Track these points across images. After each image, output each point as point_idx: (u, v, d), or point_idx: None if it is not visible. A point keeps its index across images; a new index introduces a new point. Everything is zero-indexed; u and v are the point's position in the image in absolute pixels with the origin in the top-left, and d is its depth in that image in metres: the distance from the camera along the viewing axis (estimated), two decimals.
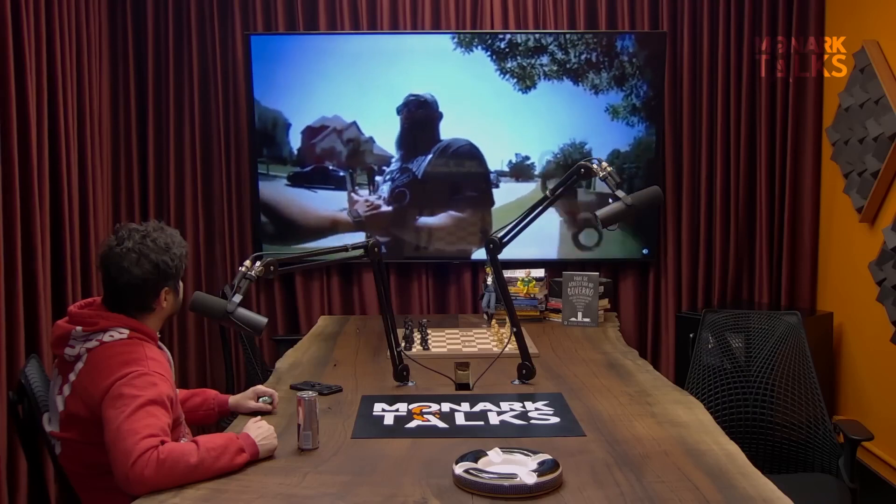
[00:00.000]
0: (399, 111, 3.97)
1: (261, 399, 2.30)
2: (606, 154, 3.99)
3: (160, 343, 2.09)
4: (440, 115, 3.98)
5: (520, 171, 4.02)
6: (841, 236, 3.81)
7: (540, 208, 2.53)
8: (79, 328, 1.96)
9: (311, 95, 3.97)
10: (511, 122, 4.00)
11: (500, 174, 4.02)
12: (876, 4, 3.44)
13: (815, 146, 3.95)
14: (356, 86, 3.95)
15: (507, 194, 4.02)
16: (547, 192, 2.53)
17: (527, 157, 4.01)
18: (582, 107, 3.97)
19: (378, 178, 4.02)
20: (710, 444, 1.95)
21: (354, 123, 3.99)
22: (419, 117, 3.99)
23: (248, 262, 2.30)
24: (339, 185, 4.03)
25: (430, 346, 3.04)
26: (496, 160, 4.02)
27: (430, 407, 2.30)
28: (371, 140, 4.00)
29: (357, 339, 3.35)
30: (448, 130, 4.01)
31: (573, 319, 3.50)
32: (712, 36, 4.01)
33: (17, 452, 2.83)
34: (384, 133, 4.00)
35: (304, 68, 3.96)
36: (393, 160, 4.01)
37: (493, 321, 3.37)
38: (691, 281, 4.13)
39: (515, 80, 3.95)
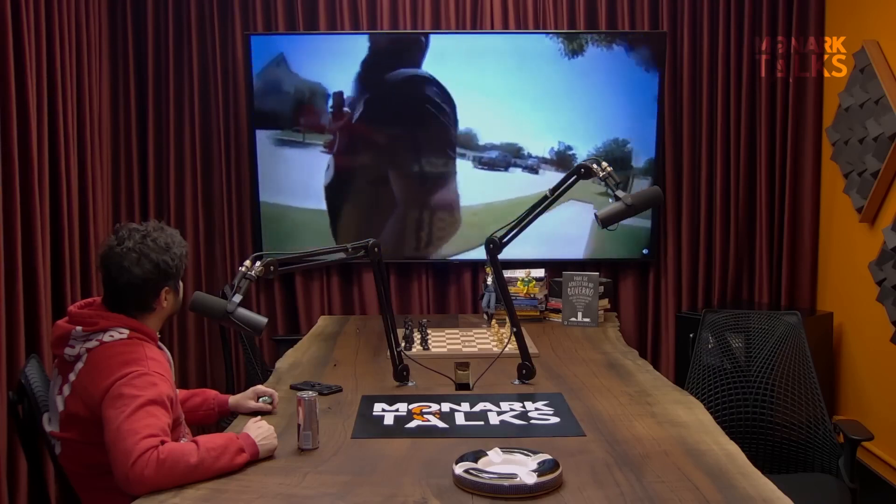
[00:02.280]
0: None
1: (261, 399, 2.30)
2: (644, 158, 3.99)
3: (160, 343, 2.09)
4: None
5: (562, 160, 3.97)
6: (841, 236, 3.81)
7: (540, 208, 2.53)
8: (79, 328, 1.96)
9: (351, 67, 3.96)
10: (557, 107, 3.96)
11: (542, 161, 3.99)
12: (876, 4, 3.44)
13: (815, 146, 3.95)
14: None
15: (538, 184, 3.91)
16: (547, 192, 2.53)
17: (570, 147, 3.98)
18: (632, 93, 3.95)
19: None
20: (710, 444, 1.95)
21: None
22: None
23: (248, 262, 2.30)
24: None
25: (430, 346, 3.04)
26: (539, 147, 3.98)
27: (430, 407, 2.30)
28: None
29: (357, 339, 3.35)
30: (490, 115, 3.98)
31: (573, 319, 3.50)
32: (712, 36, 4.01)
33: (17, 452, 2.83)
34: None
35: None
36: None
37: (493, 321, 3.37)
38: (691, 281, 4.13)
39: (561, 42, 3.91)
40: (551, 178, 3.92)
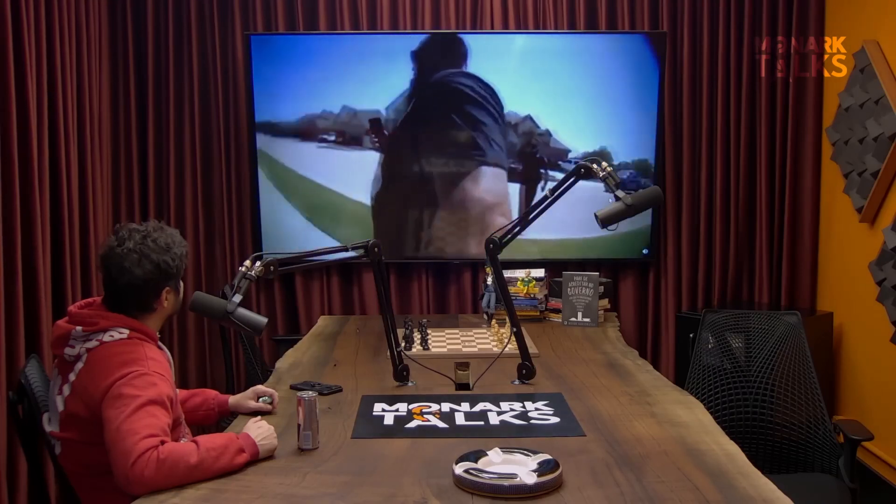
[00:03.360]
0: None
1: (261, 399, 2.30)
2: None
3: (160, 343, 2.09)
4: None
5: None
6: (841, 236, 3.81)
7: (539, 209, 2.53)
8: (79, 328, 1.96)
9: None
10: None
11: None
12: (876, 4, 3.44)
13: (815, 146, 3.95)
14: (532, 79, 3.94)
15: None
16: (546, 192, 2.53)
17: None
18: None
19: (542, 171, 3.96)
20: (710, 444, 1.95)
21: (529, 117, 3.95)
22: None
23: (248, 262, 2.30)
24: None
25: (430, 346, 3.04)
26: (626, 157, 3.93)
27: (430, 407, 2.30)
28: (548, 133, 3.95)
29: (357, 339, 3.35)
30: (583, 121, 3.92)
31: (573, 319, 3.50)
32: (712, 36, 4.01)
33: (17, 452, 2.83)
34: (562, 126, 3.95)
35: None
36: (570, 154, 3.92)
37: (493, 321, 3.37)
38: (691, 281, 4.13)
39: None
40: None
